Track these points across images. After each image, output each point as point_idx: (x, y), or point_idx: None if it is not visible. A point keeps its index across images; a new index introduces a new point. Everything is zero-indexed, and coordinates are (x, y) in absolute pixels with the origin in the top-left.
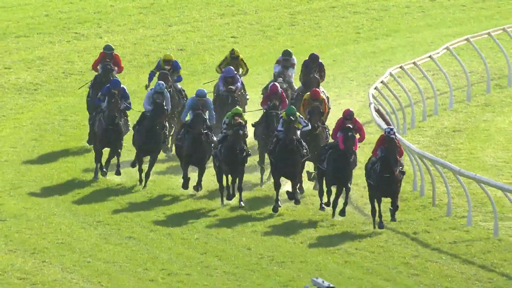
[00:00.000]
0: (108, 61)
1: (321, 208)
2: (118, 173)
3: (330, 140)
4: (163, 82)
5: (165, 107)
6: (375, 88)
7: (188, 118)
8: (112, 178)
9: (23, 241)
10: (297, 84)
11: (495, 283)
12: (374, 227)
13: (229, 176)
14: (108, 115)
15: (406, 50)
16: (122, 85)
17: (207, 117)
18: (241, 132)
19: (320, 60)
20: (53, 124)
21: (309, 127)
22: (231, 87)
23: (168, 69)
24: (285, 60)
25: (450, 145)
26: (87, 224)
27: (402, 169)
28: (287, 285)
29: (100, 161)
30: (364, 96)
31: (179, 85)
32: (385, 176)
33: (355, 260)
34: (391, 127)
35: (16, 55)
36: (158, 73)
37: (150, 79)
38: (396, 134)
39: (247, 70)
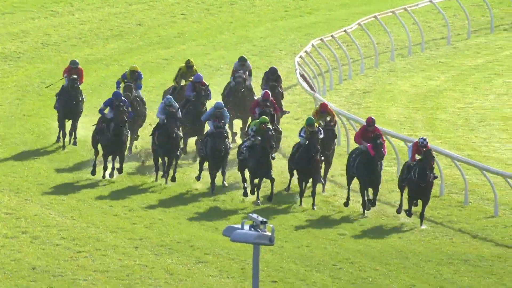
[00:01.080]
0: (75, 77)
1: (364, 205)
2: (120, 171)
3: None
4: (170, 97)
5: (178, 116)
6: (300, 57)
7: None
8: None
9: (9, 183)
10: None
11: None
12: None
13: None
14: (114, 125)
15: (325, 25)
16: (123, 97)
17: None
18: (270, 133)
19: (278, 73)
20: (33, 86)
21: (322, 135)
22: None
23: (132, 80)
24: (241, 65)
25: (361, 104)
26: (62, 169)
27: (434, 174)
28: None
29: (106, 161)
30: (291, 63)
31: (141, 94)
32: (421, 185)
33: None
34: (425, 137)
35: (3, 29)
36: (123, 84)
37: (117, 87)
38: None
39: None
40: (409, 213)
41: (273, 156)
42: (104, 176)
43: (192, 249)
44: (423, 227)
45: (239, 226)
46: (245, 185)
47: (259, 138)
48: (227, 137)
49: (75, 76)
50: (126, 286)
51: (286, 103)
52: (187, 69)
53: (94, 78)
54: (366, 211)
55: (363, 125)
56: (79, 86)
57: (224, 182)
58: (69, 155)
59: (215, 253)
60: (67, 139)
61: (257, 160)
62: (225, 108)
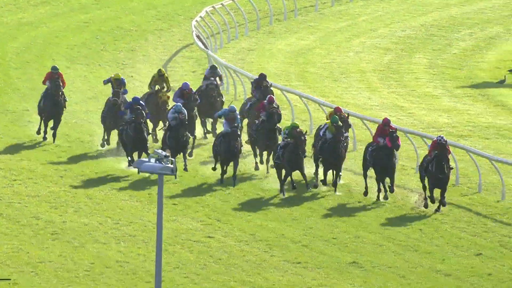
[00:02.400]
0: (57, 77)
1: (378, 191)
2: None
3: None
4: (180, 104)
5: (186, 122)
6: (195, 21)
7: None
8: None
9: None
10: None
11: None
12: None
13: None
14: (135, 125)
15: None
16: (140, 101)
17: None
18: (303, 138)
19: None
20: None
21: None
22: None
23: (117, 87)
24: (212, 72)
25: (245, 60)
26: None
27: (450, 166)
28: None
29: (132, 157)
30: (188, 26)
31: (126, 98)
32: (439, 176)
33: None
34: (442, 135)
35: None
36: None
37: (105, 83)
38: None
39: (170, 87)
40: (432, 199)
41: (305, 155)
42: (128, 165)
43: (108, 179)
44: (440, 211)
45: (147, 159)
46: (282, 187)
47: (292, 140)
48: (240, 136)
49: (58, 81)
50: (53, 207)
51: (184, 58)
52: (159, 77)
53: (26, 38)
54: (384, 200)
55: (379, 125)
56: (62, 90)
57: (236, 176)
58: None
59: (127, 181)
60: (48, 134)
61: (290, 158)
62: (237, 112)
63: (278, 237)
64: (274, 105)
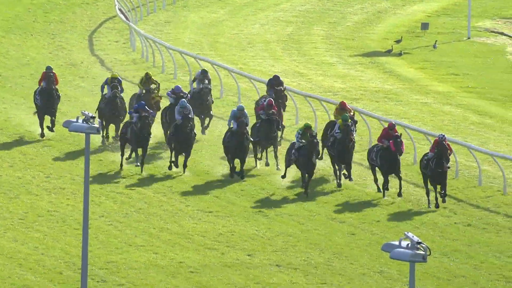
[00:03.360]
0: (52, 75)
1: (379, 190)
2: (141, 164)
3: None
4: (184, 100)
5: (190, 117)
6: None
7: (231, 125)
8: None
9: None
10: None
11: None
12: (429, 205)
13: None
14: (141, 126)
15: None
16: (146, 106)
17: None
18: (315, 141)
19: (280, 79)
20: None
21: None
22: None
23: (116, 84)
24: (203, 75)
25: (163, 31)
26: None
27: (449, 165)
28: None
29: (137, 153)
30: (112, 1)
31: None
32: (438, 171)
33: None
34: (443, 134)
35: None
36: (106, 86)
37: (102, 90)
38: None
39: (159, 84)
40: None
41: (321, 156)
42: (137, 161)
43: (40, 137)
44: (444, 202)
45: (75, 120)
46: (304, 186)
47: (305, 142)
48: (247, 133)
49: (52, 79)
50: None
51: (108, 29)
52: (147, 79)
53: None
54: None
55: (385, 128)
56: (56, 87)
57: (243, 170)
58: None
59: (58, 140)
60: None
61: (304, 158)
62: (245, 110)
63: (193, 189)
64: (272, 110)
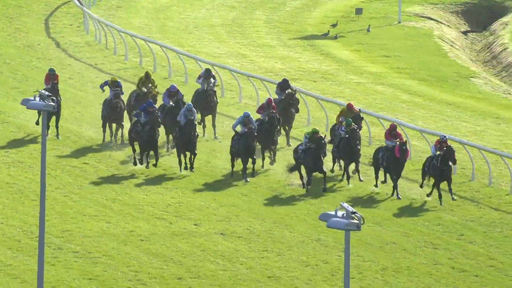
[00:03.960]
0: (56, 82)
1: (376, 185)
2: (155, 165)
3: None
4: (191, 104)
5: (194, 121)
6: None
7: (238, 129)
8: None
9: None
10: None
11: None
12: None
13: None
14: (150, 127)
15: None
16: (154, 105)
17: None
18: (323, 142)
19: (289, 82)
20: None
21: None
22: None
23: (117, 89)
24: (207, 75)
25: (115, 15)
26: None
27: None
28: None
29: (142, 157)
30: None
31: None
32: (444, 168)
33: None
34: (445, 135)
35: None
36: (109, 87)
37: (102, 89)
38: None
39: (156, 85)
40: (421, 185)
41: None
42: (147, 167)
43: None
44: (454, 198)
45: (32, 98)
46: (303, 182)
47: (313, 144)
48: (256, 136)
49: (56, 81)
50: None
51: (63, 13)
52: (146, 79)
53: None
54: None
55: (388, 129)
56: (58, 88)
57: (254, 170)
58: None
59: (14, 116)
60: (51, 131)
61: (312, 160)
62: (251, 116)
63: (143, 165)
64: (272, 109)
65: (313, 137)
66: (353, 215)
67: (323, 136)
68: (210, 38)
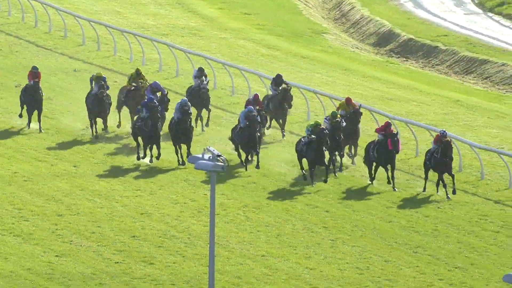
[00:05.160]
0: (36, 80)
1: (371, 181)
2: (158, 158)
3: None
4: (186, 99)
5: (190, 113)
6: None
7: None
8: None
9: None
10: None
11: None
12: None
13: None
14: (152, 122)
15: None
16: (154, 99)
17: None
18: (325, 132)
19: (283, 78)
20: None
21: (344, 123)
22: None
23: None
24: (199, 73)
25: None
26: None
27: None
28: None
29: (145, 152)
30: None
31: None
32: (445, 159)
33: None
34: (444, 130)
35: None
36: (94, 82)
37: (91, 83)
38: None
39: (147, 81)
40: (436, 183)
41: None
42: (151, 161)
43: None
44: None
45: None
46: (304, 172)
47: (315, 136)
48: (259, 129)
49: (37, 79)
50: None
51: None
52: (137, 75)
53: None
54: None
55: (382, 126)
56: (40, 86)
57: (258, 163)
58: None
59: None
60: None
61: (314, 153)
62: (255, 110)
63: (26, 113)
64: (257, 105)
65: (315, 129)
66: (218, 158)
67: (325, 129)
68: (119, 10)
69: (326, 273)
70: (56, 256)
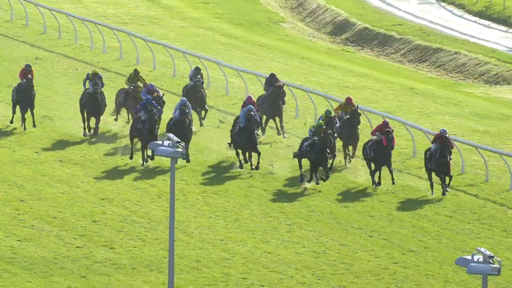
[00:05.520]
0: (30, 77)
1: (373, 183)
2: (152, 158)
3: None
4: (185, 99)
5: (189, 114)
6: None
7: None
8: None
9: None
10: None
11: None
12: (432, 193)
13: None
14: (149, 125)
15: None
16: (152, 100)
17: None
18: (329, 131)
19: (277, 77)
20: None
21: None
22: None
23: (97, 81)
24: (197, 72)
25: None
26: None
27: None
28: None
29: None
30: None
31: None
32: (442, 160)
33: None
34: (444, 129)
35: None
36: (88, 82)
37: (84, 85)
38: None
39: (145, 83)
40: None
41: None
42: (142, 164)
43: None
44: (448, 190)
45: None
46: (302, 171)
47: (318, 137)
48: (258, 130)
49: (30, 77)
50: None
51: None
52: (135, 75)
53: None
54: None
55: (379, 125)
56: (33, 84)
57: (258, 164)
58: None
59: None
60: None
61: (317, 154)
62: (255, 110)
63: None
64: (253, 106)
65: (319, 130)
66: (178, 145)
67: (328, 129)
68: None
69: (284, 257)
70: (18, 240)
